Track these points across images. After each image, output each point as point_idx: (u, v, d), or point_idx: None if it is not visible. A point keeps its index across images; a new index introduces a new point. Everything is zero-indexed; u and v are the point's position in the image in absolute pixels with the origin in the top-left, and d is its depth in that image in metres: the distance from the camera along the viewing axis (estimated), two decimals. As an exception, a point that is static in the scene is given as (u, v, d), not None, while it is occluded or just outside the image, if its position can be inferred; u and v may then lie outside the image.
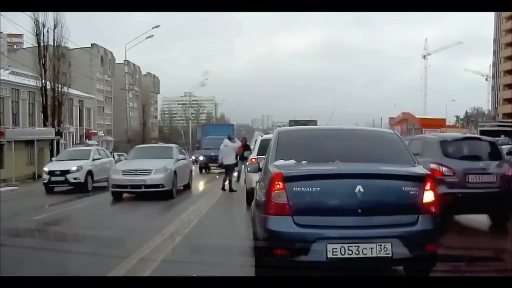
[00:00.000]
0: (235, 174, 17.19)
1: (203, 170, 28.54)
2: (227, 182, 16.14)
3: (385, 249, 4.34)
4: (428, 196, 4.62)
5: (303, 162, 5.04)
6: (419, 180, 4.69)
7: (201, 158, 29.03)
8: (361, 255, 4.33)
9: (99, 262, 5.90)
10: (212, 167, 28.25)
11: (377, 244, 4.34)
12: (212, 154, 25.87)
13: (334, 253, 4.33)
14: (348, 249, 4.33)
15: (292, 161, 5.03)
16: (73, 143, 57.30)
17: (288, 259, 4.44)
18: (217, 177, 23.45)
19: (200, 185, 20.84)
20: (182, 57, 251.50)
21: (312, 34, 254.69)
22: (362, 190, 4.45)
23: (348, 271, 4.34)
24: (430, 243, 4.57)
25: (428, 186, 4.64)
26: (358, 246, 4.34)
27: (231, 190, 15.68)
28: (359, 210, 4.46)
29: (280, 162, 5.06)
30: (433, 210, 4.65)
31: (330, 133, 6.03)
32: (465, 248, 7.04)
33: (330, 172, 4.76)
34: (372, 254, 4.33)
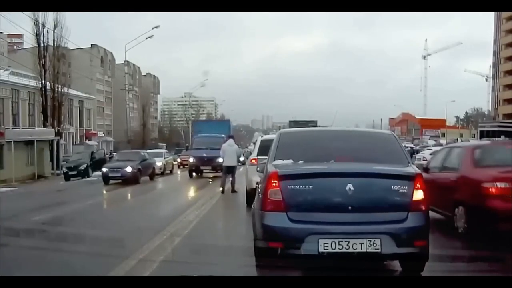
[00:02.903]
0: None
1: (194, 174, 24.32)
2: (228, 185, 15.29)
3: (374, 245, 4.54)
4: (418, 195, 4.79)
5: (300, 161, 5.27)
6: (409, 179, 4.85)
7: (191, 160, 24.49)
8: (351, 250, 4.54)
9: (99, 263, 5.90)
10: (204, 171, 24.46)
11: (367, 239, 4.54)
12: (204, 155, 23.02)
13: (325, 247, 4.55)
14: (339, 244, 4.54)
15: (290, 161, 5.26)
16: (73, 144, 57.32)
17: (282, 252, 4.65)
18: (210, 181, 21.34)
19: (190, 192, 18.45)
20: (183, 58, 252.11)
21: (314, 36, 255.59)
22: (352, 188, 4.67)
23: (340, 265, 4.52)
24: (419, 240, 4.73)
25: (417, 185, 4.82)
26: (348, 241, 4.55)
27: (233, 191, 15.02)
28: (350, 207, 4.67)
29: (279, 161, 5.29)
30: (423, 208, 4.83)
31: (329, 134, 6.25)
32: (465, 248, 7.05)
33: (322, 171, 4.97)
34: (361, 249, 4.54)
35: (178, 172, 31.84)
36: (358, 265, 4.49)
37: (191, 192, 18.22)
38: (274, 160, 5.36)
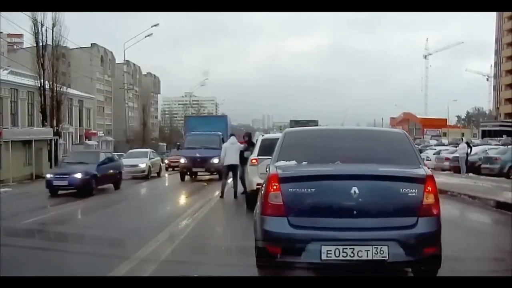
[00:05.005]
0: (229, 180, 14.46)
1: (186, 177, 22.03)
2: (228, 188, 14.07)
3: (381, 252, 4.28)
4: (429, 198, 4.51)
5: (304, 162, 5.04)
6: (419, 181, 4.58)
7: (182, 160, 22.08)
8: (356, 257, 4.28)
9: (99, 264, 5.89)
10: (199, 173, 22.35)
11: (373, 246, 4.29)
12: (197, 155, 21.12)
13: (329, 255, 4.30)
14: (343, 251, 4.29)
15: (293, 162, 5.04)
16: (72, 143, 57.27)
17: (282, 259, 4.46)
18: (205, 184, 19.66)
19: (181, 198, 15.97)
20: (184, 58, 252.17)
21: (315, 37, 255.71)
22: (357, 192, 4.41)
23: (343, 273, 4.33)
24: (430, 247, 4.49)
25: (428, 188, 4.53)
26: (353, 249, 4.29)
27: (235, 196, 13.77)
28: (355, 211, 4.42)
29: (281, 163, 5.06)
30: (435, 213, 4.54)
31: (336, 134, 5.95)
32: (465, 248, 7.05)
33: (325, 173, 4.73)
34: (367, 256, 4.28)
35: (166, 175, 28.61)
36: (353, 268, 4.43)
37: (178, 201, 15.26)
38: (277, 161, 5.13)
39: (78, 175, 16.23)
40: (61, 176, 16.55)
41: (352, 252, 4.28)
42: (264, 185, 4.97)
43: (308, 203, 4.51)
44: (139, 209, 13.31)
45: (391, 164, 4.95)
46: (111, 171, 18.47)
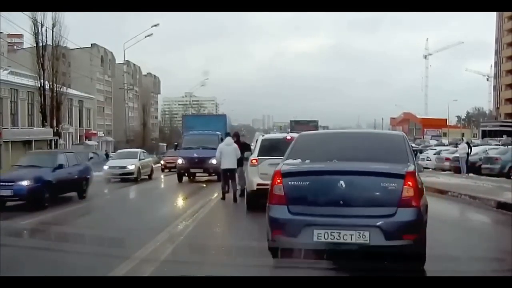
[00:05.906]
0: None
1: (183, 178, 21.26)
2: (227, 189, 13.34)
3: (363, 237, 4.96)
4: (408, 191, 5.08)
5: (307, 161, 5.77)
6: (398, 177, 5.17)
7: (180, 161, 21.31)
8: (342, 240, 4.99)
9: (99, 264, 5.89)
10: (197, 174, 21.63)
11: (357, 231, 4.97)
12: (195, 155, 20.54)
13: (319, 237, 5.03)
14: (331, 235, 5.02)
15: (298, 160, 5.78)
16: (72, 144, 57.28)
17: (282, 240, 5.19)
18: (204, 185, 19.16)
19: (179, 201, 15.12)
20: (185, 58, 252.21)
21: (316, 37, 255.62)
22: (344, 185, 5.12)
23: (341, 265, 4.94)
24: (409, 234, 5.00)
25: (408, 182, 5.12)
26: (340, 233, 5.01)
27: (235, 199, 12.92)
28: (341, 201, 5.12)
29: (289, 161, 5.84)
30: (413, 204, 5.09)
31: (339, 136, 6.85)
32: (465, 248, 7.06)
33: (318, 169, 5.52)
34: (351, 240, 4.98)
35: (162, 176, 26.25)
36: (359, 265, 4.50)
37: (160, 214, 11.53)
38: (286, 159, 5.90)
39: (24, 183, 12.47)
40: (6, 184, 12.41)
41: (338, 236, 5.00)
42: (271, 179, 5.66)
43: (304, 194, 5.28)
44: (101, 230, 9.17)
45: (382, 162, 5.56)
46: (74, 176, 14.47)
